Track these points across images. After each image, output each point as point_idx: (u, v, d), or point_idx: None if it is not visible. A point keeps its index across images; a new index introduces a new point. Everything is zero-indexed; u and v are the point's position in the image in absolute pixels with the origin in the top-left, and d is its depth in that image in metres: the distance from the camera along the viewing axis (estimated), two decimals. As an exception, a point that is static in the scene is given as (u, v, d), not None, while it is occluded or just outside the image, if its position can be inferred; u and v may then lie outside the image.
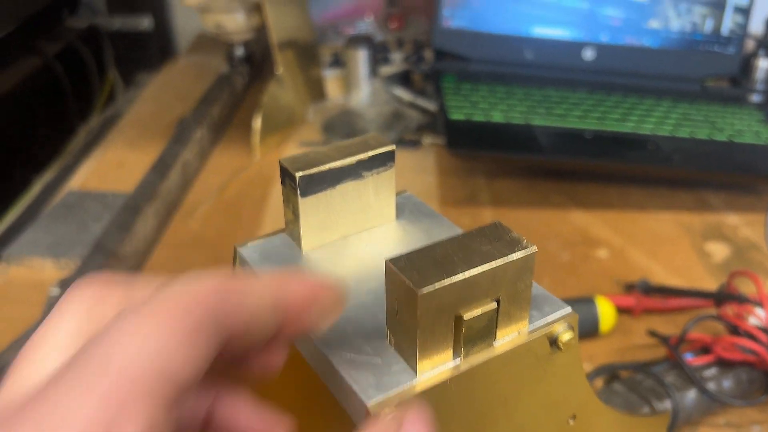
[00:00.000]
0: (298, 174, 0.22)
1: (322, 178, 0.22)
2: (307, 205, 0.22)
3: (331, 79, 0.95)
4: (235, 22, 0.83)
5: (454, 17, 0.84)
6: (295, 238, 0.23)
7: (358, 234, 0.23)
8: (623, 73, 0.84)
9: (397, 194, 0.26)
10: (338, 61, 0.99)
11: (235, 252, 0.23)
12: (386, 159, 0.23)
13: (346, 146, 0.23)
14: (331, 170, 0.22)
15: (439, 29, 0.84)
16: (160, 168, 0.65)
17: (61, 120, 1.04)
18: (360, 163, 0.22)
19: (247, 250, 0.23)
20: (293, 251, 0.23)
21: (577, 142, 0.66)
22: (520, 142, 0.64)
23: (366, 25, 1.11)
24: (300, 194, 0.22)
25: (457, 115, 0.69)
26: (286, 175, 0.22)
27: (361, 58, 0.87)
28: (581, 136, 0.67)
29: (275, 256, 0.22)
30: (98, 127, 0.95)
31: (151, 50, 1.12)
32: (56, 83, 1.04)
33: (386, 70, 0.95)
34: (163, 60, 1.12)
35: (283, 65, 0.80)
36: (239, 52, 0.89)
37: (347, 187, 0.23)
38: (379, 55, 0.96)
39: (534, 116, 0.71)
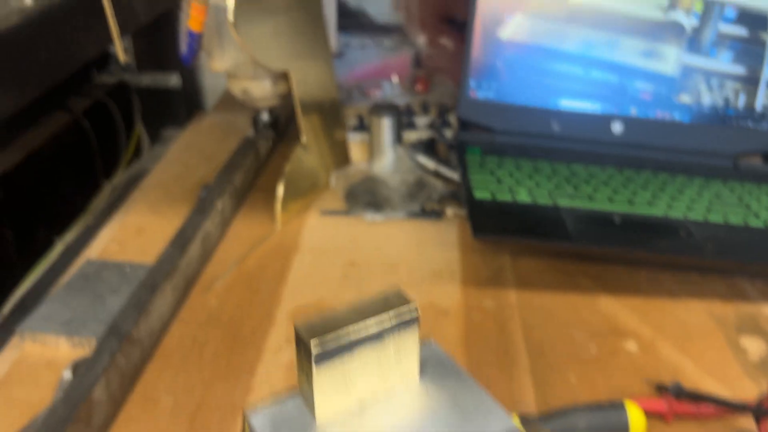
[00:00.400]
0: (313, 344, 0.20)
1: (338, 346, 0.21)
2: (321, 373, 0.21)
3: (355, 143, 0.94)
4: (262, 89, 0.83)
5: (480, 88, 0.83)
6: (309, 405, 0.21)
7: (378, 400, 0.22)
8: (653, 147, 0.82)
9: (420, 342, 0.25)
10: (363, 125, 0.99)
11: (244, 420, 0.21)
12: (409, 319, 0.22)
13: (366, 307, 0.22)
14: (348, 337, 0.21)
15: (465, 100, 0.83)
16: (181, 241, 0.65)
17: (87, 176, 1.05)
18: (380, 327, 0.21)
19: (258, 419, 0.21)
20: (306, 420, 0.21)
21: (605, 226, 0.64)
22: (546, 225, 0.63)
23: (391, 86, 1.11)
24: (314, 363, 0.20)
25: (481, 194, 0.68)
26: (300, 341, 0.21)
27: (385, 126, 0.87)
28: (610, 220, 0.65)
29: (287, 426, 0.21)
30: (122, 185, 0.95)
31: (178, 106, 1.13)
32: (84, 139, 1.05)
33: (411, 135, 0.94)
34: (190, 116, 1.13)
35: (307, 131, 0.80)
36: (265, 117, 0.89)
37: (366, 351, 0.21)
38: (404, 119, 0.95)
39: (561, 196, 0.69)
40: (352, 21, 1.15)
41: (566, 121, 0.83)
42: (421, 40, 1.16)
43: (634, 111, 0.83)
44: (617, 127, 0.83)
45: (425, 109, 1.04)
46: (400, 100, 1.07)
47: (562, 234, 0.62)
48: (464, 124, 0.85)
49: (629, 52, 0.81)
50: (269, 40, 0.74)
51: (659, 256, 0.63)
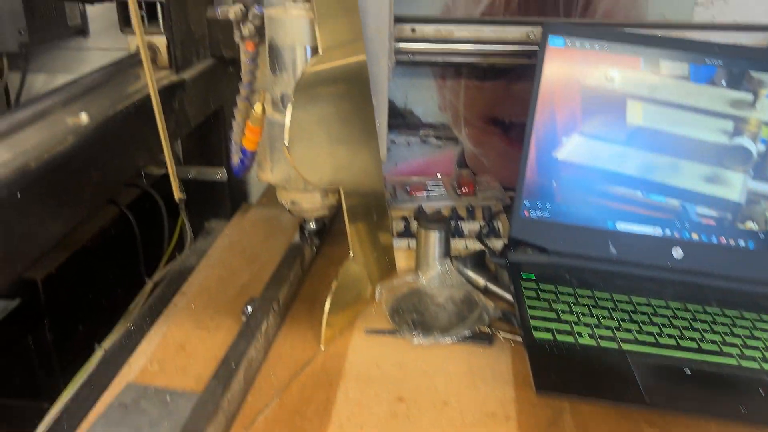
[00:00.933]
0: None
1: None
2: None
3: (400, 250, 0.92)
4: (312, 202, 0.82)
5: (534, 208, 0.81)
6: None
7: None
8: (716, 275, 0.78)
9: None
10: (409, 230, 0.97)
11: None
12: None
13: None
14: None
15: (518, 219, 0.81)
16: (225, 374, 0.62)
17: (130, 271, 1.04)
18: None
19: None
20: None
21: (676, 380, 0.60)
22: (614, 378, 0.59)
23: (436, 187, 1.09)
24: None
25: (541, 334, 0.64)
26: None
27: (433, 239, 0.84)
28: (681, 371, 0.61)
29: None
30: (165, 284, 0.94)
31: (223, 199, 1.13)
32: (128, 231, 1.05)
33: (458, 244, 0.92)
34: (235, 208, 1.12)
35: (354, 243, 0.78)
36: (312, 225, 0.88)
37: None
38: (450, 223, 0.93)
39: (626, 338, 0.65)
40: (398, 121, 1.15)
41: (624, 244, 0.80)
42: (467, 139, 1.15)
43: (695, 236, 0.79)
44: (678, 253, 0.79)
45: (471, 213, 1.02)
46: (445, 202, 1.05)
47: (633, 393, 0.58)
48: (516, 242, 0.82)
49: (691, 176, 0.78)
50: (323, 159, 0.72)
51: (739, 421, 0.58)
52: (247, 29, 0.79)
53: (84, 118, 0.69)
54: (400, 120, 1.15)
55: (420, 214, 1.01)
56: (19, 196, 0.56)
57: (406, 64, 1.07)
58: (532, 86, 0.79)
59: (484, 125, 1.13)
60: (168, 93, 0.85)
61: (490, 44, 0.95)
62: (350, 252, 0.78)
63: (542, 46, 0.78)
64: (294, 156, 0.69)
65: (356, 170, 0.77)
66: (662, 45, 0.77)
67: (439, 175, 1.18)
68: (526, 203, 0.81)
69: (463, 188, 1.07)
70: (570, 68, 0.78)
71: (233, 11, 0.78)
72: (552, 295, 0.72)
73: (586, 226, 0.80)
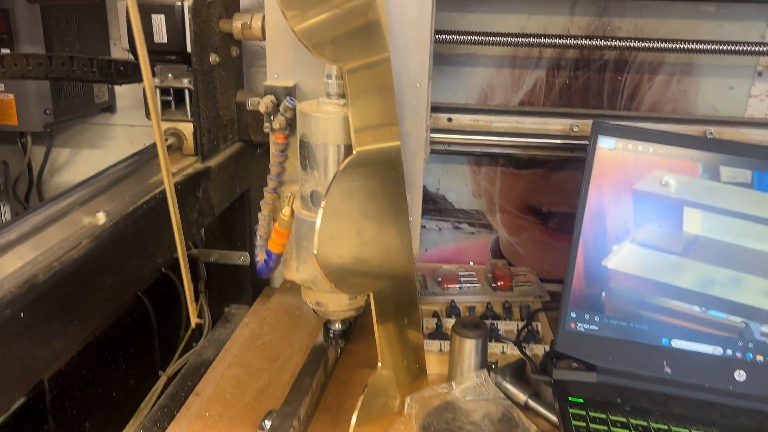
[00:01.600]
0: None
1: None
2: None
3: (432, 353, 0.85)
4: (338, 304, 0.76)
5: (581, 320, 0.74)
6: None
7: None
8: (785, 403, 0.70)
9: None
10: (441, 329, 0.90)
11: None
12: None
13: None
14: None
15: (563, 332, 0.74)
16: None
17: (144, 360, 0.99)
18: None
19: None
20: None
21: None
22: None
23: (469, 278, 1.03)
24: None
25: (594, 481, 0.57)
26: None
27: (469, 348, 0.78)
28: None
29: None
30: (179, 380, 0.88)
31: (245, 283, 1.08)
32: (144, 318, 1.00)
33: (494, 348, 0.85)
34: (257, 293, 1.07)
35: (383, 348, 0.71)
36: (337, 326, 0.82)
37: None
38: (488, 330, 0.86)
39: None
40: (430, 206, 1.10)
41: (680, 363, 0.72)
42: (502, 227, 1.09)
43: (760, 358, 0.72)
44: (741, 376, 0.72)
45: (508, 311, 0.95)
46: (480, 297, 0.98)
47: None
48: (562, 356, 0.75)
49: (755, 291, 0.71)
50: (352, 267, 0.67)
51: None
52: (278, 122, 0.75)
53: (101, 217, 0.65)
54: (432, 205, 1.10)
55: (454, 315, 0.94)
56: (22, 315, 0.51)
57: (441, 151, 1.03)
58: (581, 189, 0.73)
59: (521, 214, 1.08)
60: (192, 182, 0.81)
61: (530, 137, 0.90)
62: (379, 362, 0.72)
63: (591, 147, 0.73)
64: (322, 264, 0.63)
65: (387, 276, 0.71)
66: (722, 149, 0.72)
67: (471, 263, 1.12)
68: (573, 314, 0.74)
69: (498, 282, 1.01)
70: (621, 171, 0.73)
71: (264, 104, 0.74)
72: (603, 426, 0.65)
73: (639, 341, 0.73)
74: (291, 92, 0.77)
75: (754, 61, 0.92)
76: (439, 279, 1.03)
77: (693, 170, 0.72)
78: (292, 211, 0.69)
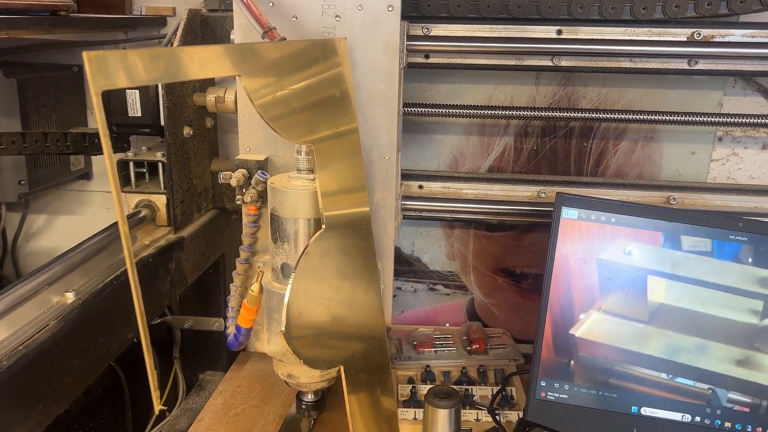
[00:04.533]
0: None
1: None
2: None
3: (406, 422, 0.85)
4: (309, 375, 0.76)
5: (552, 389, 0.75)
6: None
7: None
8: (755, 471, 0.71)
9: None
10: (415, 397, 0.90)
11: None
12: None
13: None
14: None
15: (534, 401, 0.75)
16: None
17: (118, 428, 0.97)
18: None
19: None
20: None
21: None
22: None
23: (445, 341, 1.03)
24: None
25: None
26: None
27: (443, 418, 0.78)
28: None
29: None
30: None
31: (220, 349, 1.07)
32: (116, 387, 0.98)
33: (469, 416, 0.85)
34: (231, 359, 1.06)
35: (354, 421, 0.71)
36: (309, 397, 0.82)
37: None
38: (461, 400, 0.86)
39: None
40: (405, 267, 1.11)
41: (650, 431, 0.73)
42: (476, 288, 1.10)
43: (728, 425, 0.72)
44: (710, 443, 0.72)
45: (483, 375, 0.95)
46: (455, 361, 0.98)
47: None
48: (533, 425, 0.75)
49: (721, 358, 0.72)
50: (321, 338, 0.67)
51: None
52: (250, 195, 0.76)
53: (69, 297, 0.65)
54: (407, 267, 1.11)
55: (429, 381, 0.94)
56: (-17, 404, 0.51)
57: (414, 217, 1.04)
58: (546, 258, 0.75)
59: (494, 275, 1.09)
60: (164, 254, 0.82)
61: (499, 204, 0.92)
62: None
63: (555, 218, 0.75)
64: (290, 341, 0.64)
65: (356, 308, 0.71)
66: (682, 219, 0.74)
67: (447, 325, 1.13)
68: (543, 383, 0.75)
69: (473, 345, 1.01)
70: (586, 240, 0.74)
71: (235, 178, 0.76)
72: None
73: (609, 410, 0.73)
74: (263, 166, 0.78)
75: (713, 128, 0.96)
76: (415, 343, 1.03)
77: (655, 240, 0.73)
78: (261, 287, 0.70)
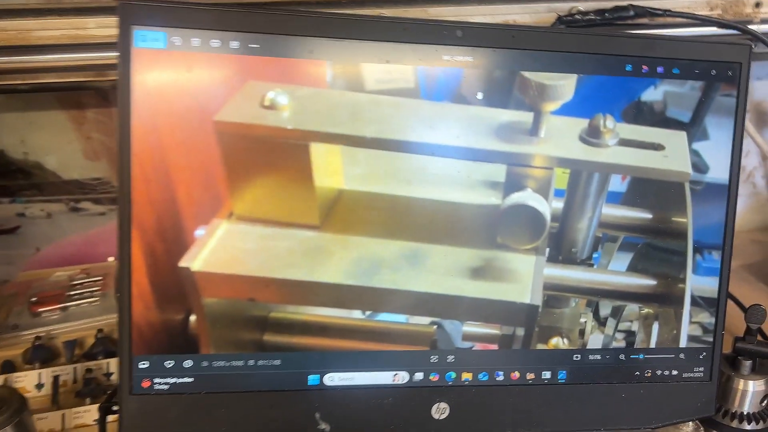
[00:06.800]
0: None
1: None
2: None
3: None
4: None
5: (160, 370, 0.41)
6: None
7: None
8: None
9: None
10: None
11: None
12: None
13: None
14: None
15: (130, 399, 0.41)
16: None
17: None
18: None
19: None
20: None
21: None
22: None
23: (88, 286, 0.66)
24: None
25: None
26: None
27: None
28: None
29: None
30: None
31: None
32: None
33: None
34: None
35: None
36: None
37: None
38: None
39: None
40: (20, 181, 0.70)
41: (342, 409, 0.42)
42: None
43: (467, 376, 0.44)
44: (441, 411, 0.43)
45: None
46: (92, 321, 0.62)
47: None
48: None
49: (445, 271, 0.42)
50: None
51: None
52: None
53: None
54: (23, 180, 0.71)
55: (35, 365, 0.57)
56: None
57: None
58: (116, 135, 0.39)
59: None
60: None
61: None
62: None
63: (124, 50, 0.38)
64: None
65: None
66: (360, 34, 0.40)
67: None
68: (143, 365, 0.40)
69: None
70: (188, 91, 0.39)
71: None
72: None
73: (269, 389, 0.41)
74: None
75: None
76: (34, 299, 0.64)
77: (318, 77, 0.39)
78: None
